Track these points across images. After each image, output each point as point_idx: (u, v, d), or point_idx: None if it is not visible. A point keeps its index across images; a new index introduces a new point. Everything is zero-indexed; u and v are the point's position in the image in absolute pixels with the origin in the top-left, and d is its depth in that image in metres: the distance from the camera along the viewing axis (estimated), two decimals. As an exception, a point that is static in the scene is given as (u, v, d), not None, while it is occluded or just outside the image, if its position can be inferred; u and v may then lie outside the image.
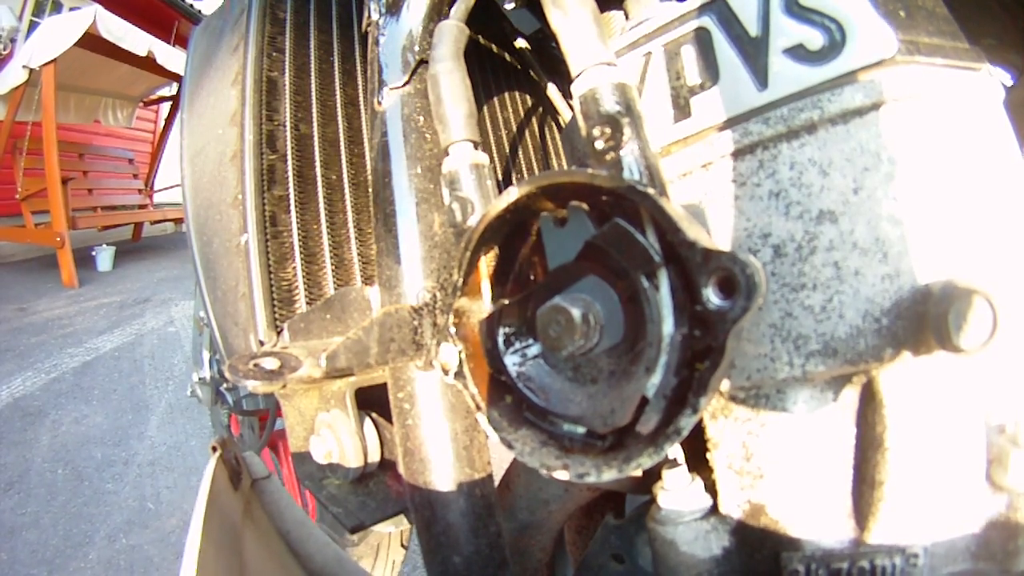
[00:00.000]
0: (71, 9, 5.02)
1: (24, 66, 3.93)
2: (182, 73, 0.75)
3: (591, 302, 0.30)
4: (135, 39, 4.23)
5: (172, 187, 6.11)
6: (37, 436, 2.19)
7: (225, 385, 1.35)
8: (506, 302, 0.34)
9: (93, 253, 4.85)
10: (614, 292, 0.30)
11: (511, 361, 0.34)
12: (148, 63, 4.49)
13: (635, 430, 0.28)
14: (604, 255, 0.29)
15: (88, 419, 2.34)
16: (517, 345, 0.34)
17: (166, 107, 6.43)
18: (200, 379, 1.40)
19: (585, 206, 0.30)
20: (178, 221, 6.47)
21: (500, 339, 0.34)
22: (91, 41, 3.95)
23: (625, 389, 0.29)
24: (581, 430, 0.31)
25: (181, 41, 5.51)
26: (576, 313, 0.29)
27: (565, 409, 0.32)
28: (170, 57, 4.47)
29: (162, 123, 6.43)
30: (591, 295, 0.30)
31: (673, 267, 0.27)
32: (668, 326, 0.27)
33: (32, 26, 5.14)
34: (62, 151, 4.40)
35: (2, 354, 2.89)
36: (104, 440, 2.19)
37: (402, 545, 1.34)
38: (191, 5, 6.40)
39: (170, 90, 5.84)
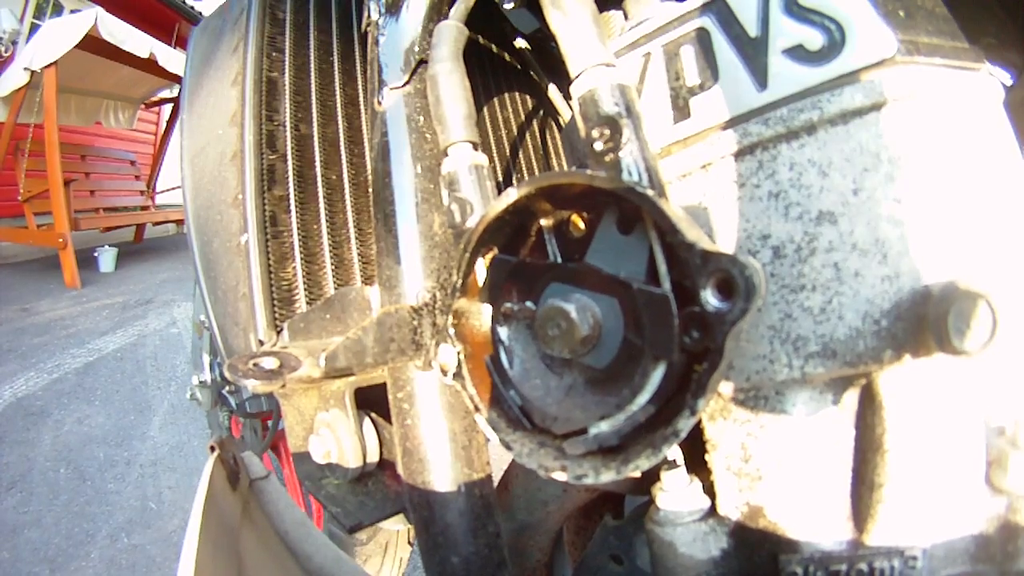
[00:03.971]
0: (72, 11, 5.02)
1: (25, 68, 3.93)
2: (183, 74, 0.75)
3: (599, 323, 0.30)
4: (136, 41, 4.22)
5: (174, 188, 6.11)
6: (40, 436, 2.19)
7: (228, 388, 1.35)
8: (528, 259, 0.34)
9: (95, 254, 4.85)
10: (623, 330, 0.30)
11: (504, 307, 0.34)
12: (149, 65, 4.49)
13: (561, 444, 0.29)
14: (635, 300, 0.28)
15: (90, 419, 2.34)
16: (516, 301, 0.34)
17: (168, 109, 6.43)
18: (200, 382, 1.40)
19: (657, 239, 0.28)
20: (180, 222, 6.47)
21: (502, 285, 0.34)
22: (92, 43, 3.94)
23: (575, 412, 0.30)
24: (520, 403, 0.32)
25: (182, 43, 5.51)
26: (580, 330, 0.29)
27: (520, 382, 0.33)
28: (171, 59, 4.46)
29: (164, 125, 6.43)
30: (603, 313, 0.30)
31: (680, 362, 0.26)
32: (641, 400, 0.28)
33: (33, 28, 5.14)
34: (64, 153, 4.39)
35: (5, 354, 2.89)
36: (106, 440, 2.19)
37: (409, 543, 1.34)
38: (191, 7, 6.41)
39: (171, 92, 5.83)
